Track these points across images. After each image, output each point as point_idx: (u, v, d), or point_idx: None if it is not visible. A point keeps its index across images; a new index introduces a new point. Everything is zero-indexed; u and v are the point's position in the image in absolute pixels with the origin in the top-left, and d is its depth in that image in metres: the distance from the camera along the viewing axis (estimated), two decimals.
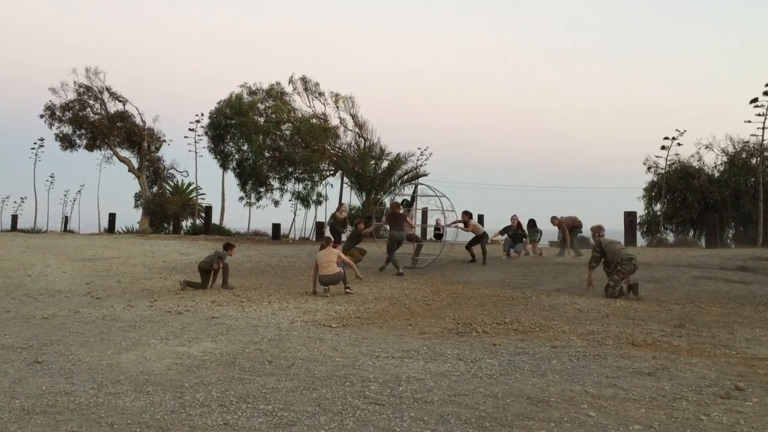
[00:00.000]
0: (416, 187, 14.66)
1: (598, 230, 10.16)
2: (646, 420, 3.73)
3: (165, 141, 34.53)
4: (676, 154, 24.58)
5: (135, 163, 33.35)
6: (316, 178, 29.38)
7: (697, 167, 24.81)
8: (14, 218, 35.68)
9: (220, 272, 10.74)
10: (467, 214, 14.51)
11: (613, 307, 8.32)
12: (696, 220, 24.04)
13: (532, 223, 15.93)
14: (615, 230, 21.60)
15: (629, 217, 21.50)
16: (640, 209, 25.84)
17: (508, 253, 14.66)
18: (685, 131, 23.42)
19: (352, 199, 28.47)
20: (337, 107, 28.63)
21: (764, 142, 22.35)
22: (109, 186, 78.46)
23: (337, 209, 17.89)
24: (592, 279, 9.76)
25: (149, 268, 13.73)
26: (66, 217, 38.40)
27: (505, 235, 15.02)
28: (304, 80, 28.82)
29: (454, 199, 15.33)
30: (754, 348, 5.81)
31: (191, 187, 36.40)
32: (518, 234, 14.88)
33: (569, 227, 14.76)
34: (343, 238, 15.45)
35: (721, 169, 24.62)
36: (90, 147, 32.78)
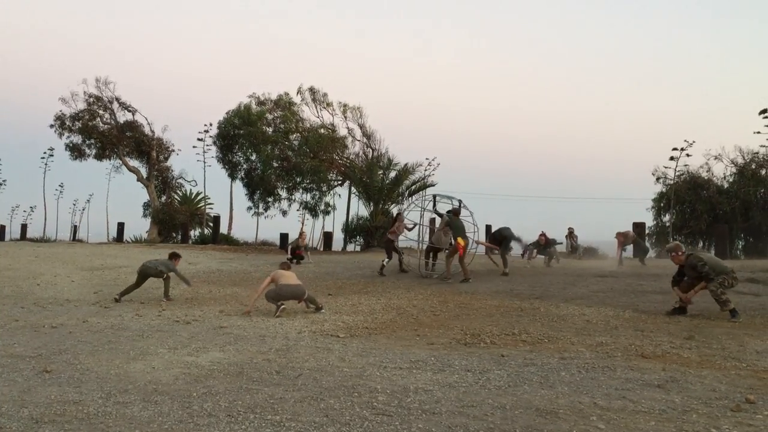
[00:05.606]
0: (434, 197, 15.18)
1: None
2: None
3: (174, 150, 34.84)
4: (685, 165, 24.53)
5: (144, 172, 33.59)
6: (324, 188, 29.46)
7: (706, 178, 24.72)
8: (24, 227, 35.97)
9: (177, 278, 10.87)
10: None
11: (622, 319, 8.27)
12: (705, 232, 23.92)
13: (552, 241, 17.50)
14: None
15: (638, 227, 21.42)
16: (649, 220, 25.76)
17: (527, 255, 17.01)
18: (694, 142, 23.35)
19: (360, 209, 28.53)
20: (345, 117, 28.77)
21: None
22: (118, 195, 78.82)
23: (299, 235, 20.27)
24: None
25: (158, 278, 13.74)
26: (75, 227, 38.68)
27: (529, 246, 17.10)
28: (312, 91, 29.00)
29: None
30: (764, 360, 5.75)
31: (200, 197, 36.62)
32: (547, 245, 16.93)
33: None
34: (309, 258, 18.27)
35: (731, 180, 24.54)
36: (99, 156, 33.06)
